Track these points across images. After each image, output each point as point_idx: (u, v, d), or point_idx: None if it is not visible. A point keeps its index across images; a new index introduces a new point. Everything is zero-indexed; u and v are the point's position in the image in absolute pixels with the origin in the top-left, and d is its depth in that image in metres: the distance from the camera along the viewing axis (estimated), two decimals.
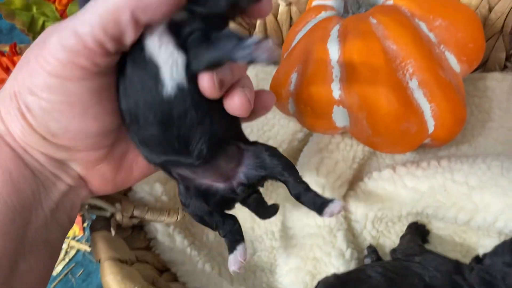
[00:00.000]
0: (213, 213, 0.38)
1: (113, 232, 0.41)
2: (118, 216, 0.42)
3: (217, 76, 0.31)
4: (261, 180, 0.39)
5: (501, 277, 0.37)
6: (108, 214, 0.42)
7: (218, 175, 0.37)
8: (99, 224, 0.42)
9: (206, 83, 0.31)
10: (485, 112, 0.55)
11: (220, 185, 0.38)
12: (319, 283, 0.38)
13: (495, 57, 0.57)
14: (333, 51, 0.46)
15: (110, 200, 0.43)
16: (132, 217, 0.43)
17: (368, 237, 0.50)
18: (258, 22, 0.62)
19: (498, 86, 0.55)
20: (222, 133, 0.34)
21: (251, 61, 0.28)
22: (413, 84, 0.44)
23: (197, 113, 0.32)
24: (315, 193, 0.38)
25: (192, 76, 0.31)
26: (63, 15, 0.79)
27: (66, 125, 0.32)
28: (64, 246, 0.60)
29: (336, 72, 0.45)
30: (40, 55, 0.30)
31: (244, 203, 0.40)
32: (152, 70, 0.30)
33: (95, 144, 0.35)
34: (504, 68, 0.58)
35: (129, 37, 0.30)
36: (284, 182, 0.38)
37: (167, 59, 0.30)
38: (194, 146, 0.33)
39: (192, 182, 0.37)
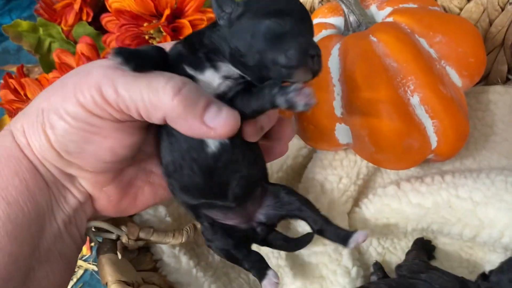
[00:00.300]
0: (238, 247, 0.40)
1: (119, 256, 0.41)
2: (124, 239, 0.43)
3: (259, 122, 0.35)
4: (280, 219, 0.42)
5: None
6: (114, 236, 0.43)
7: (243, 216, 0.40)
8: (105, 247, 0.42)
9: (250, 130, 0.35)
10: (488, 126, 0.55)
11: (242, 225, 0.41)
12: None
13: (497, 70, 0.57)
14: (334, 69, 0.46)
15: (116, 223, 0.43)
16: (138, 239, 0.43)
17: (374, 254, 0.50)
18: None
19: (500, 99, 0.55)
20: (255, 175, 0.38)
21: (291, 107, 0.30)
22: (415, 100, 0.44)
23: (237, 161, 0.36)
24: (337, 226, 0.41)
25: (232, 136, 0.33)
26: (69, 36, 0.80)
27: (83, 148, 0.34)
28: None
29: (337, 90, 0.46)
30: (78, 85, 0.33)
31: (264, 243, 0.43)
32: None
33: (105, 168, 0.37)
34: (506, 81, 0.58)
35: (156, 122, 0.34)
36: (304, 218, 0.41)
37: None
38: (232, 189, 0.37)
39: (218, 222, 0.40)
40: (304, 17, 0.33)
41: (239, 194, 0.37)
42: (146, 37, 0.74)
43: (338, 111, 0.46)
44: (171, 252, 0.47)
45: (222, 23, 0.34)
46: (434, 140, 0.46)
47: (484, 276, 0.40)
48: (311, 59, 0.31)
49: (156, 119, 0.33)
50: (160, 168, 0.39)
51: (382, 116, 0.43)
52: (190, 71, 0.34)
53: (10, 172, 0.34)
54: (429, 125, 0.45)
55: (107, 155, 0.35)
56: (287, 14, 0.32)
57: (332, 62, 0.47)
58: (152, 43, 0.73)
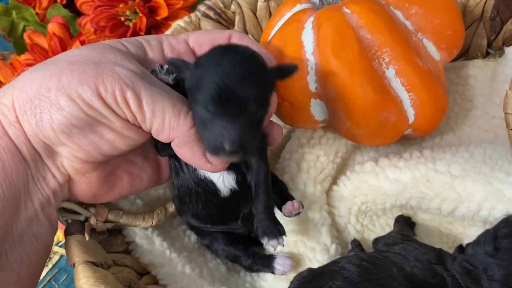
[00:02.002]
0: (240, 248, 0.47)
1: (87, 237, 0.40)
2: (93, 221, 0.42)
3: None
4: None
5: (483, 268, 0.36)
6: (82, 218, 0.41)
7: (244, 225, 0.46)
8: (73, 228, 0.41)
9: None
10: (468, 100, 0.54)
11: (240, 231, 0.48)
12: (294, 278, 0.38)
13: (477, 44, 0.56)
14: (308, 43, 0.45)
15: (84, 204, 0.42)
16: (106, 221, 0.42)
17: (352, 231, 0.49)
18: (237, 18, 0.62)
19: (480, 73, 0.54)
20: None
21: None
22: (390, 73, 0.43)
23: (245, 197, 0.43)
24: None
25: (238, 181, 0.42)
26: (44, 19, 0.78)
27: (85, 135, 0.34)
28: None
29: (311, 64, 0.45)
30: (101, 77, 0.33)
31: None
32: (209, 183, 0.41)
33: (97, 158, 0.37)
34: (486, 55, 0.57)
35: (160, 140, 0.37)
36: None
37: (218, 176, 0.41)
38: (242, 215, 0.44)
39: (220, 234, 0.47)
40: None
41: (247, 217, 0.44)
42: (122, 18, 0.72)
43: (312, 85, 0.45)
44: (144, 234, 0.46)
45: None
46: (411, 114, 0.45)
47: (461, 249, 0.40)
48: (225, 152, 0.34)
49: (163, 137, 0.35)
50: (141, 160, 0.42)
51: (356, 89, 0.42)
52: None
53: None
54: (406, 99, 0.44)
55: (106, 148, 0.36)
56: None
57: (306, 36, 0.45)
58: (128, 25, 0.72)
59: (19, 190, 0.34)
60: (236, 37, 0.42)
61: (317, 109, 0.47)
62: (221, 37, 0.42)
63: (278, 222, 0.41)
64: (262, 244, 0.41)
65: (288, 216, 0.43)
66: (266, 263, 0.46)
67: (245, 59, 0.35)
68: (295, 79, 0.45)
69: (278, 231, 0.40)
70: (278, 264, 0.45)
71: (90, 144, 0.35)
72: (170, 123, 0.34)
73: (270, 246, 0.39)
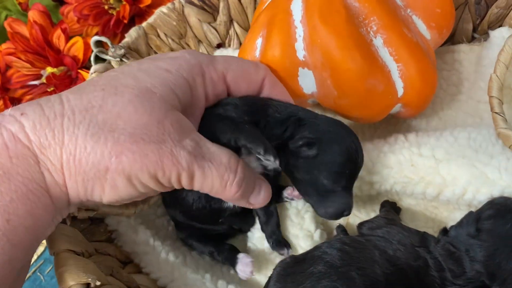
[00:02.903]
0: (213, 244, 0.47)
1: (68, 223, 0.40)
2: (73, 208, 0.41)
3: None
4: None
5: (465, 249, 0.36)
6: None
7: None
8: None
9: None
10: (453, 85, 0.54)
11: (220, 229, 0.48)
12: (276, 265, 0.37)
13: (462, 29, 0.56)
14: (297, 11, 0.45)
15: None
16: (88, 209, 0.42)
17: None
18: (222, 4, 0.61)
19: (465, 58, 0.54)
20: None
21: None
22: (378, 42, 0.43)
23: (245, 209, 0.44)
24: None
25: None
26: (26, 9, 0.77)
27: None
28: None
29: (299, 32, 0.44)
30: (160, 163, 0.33)
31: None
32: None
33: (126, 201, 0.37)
34: (472, 39, 0.56)
35: None
36: None
37: None
38: (228, 219, 0.46)
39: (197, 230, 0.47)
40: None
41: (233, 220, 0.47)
42: (106, 7, 0.71)
43: (300, 53, 0.44)
44: (127, 223, 0.45)
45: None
46: (400, 86, 0.45)
47: (445, 231, 0.40)
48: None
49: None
50: None
51: (342, 53, 0.42)
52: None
53: (25, 210, 0.30)
54: (394, 69, 0.44)
55: (141, 198, 0.37)
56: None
57: (295, 5, 0.45)
58: (112, 13, 0.71)
59: (45, 229, 0.33)
60: (269, 81, 0.44)
61: (305, 81, 0.46)
62: (255, 79, 0.43)
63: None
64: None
65: (287, 200, 0.47)
66: (231, 263, 0.45)
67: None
68: (284, 47, 0.45)
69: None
70: (240, 270, 0.44)
71: (127, 199, 0.35)
72: (216, 192, 0.36)
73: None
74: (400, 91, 0.44)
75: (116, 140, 0.31)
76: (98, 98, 0.33)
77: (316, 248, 0.37)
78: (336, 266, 0.33)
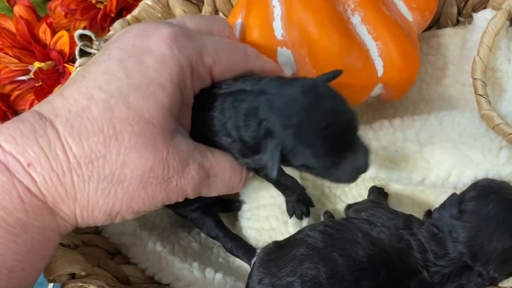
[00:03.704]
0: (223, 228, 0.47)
1: None
2: None
3: None
4: None
5: (448, 230, 0.36)
6: None
7: None
8: None
9: None
10: (439, 69, 0.54)
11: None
12: (260, 251, 0.38)
13: (447, 13, 0.56)
14: None
15: None
16: None
17: (326, 203, 0.49)
18: None
19: (450, 41, 0.54)
20: None
21: None
22: (356, 19, 0.43)
23: None
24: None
25: None
26: (14, 5, 0.77)
27: None
28: None
29: (277, 11, 0.44)
30: (167, 198, 0.35)
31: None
32: None
33: None
34: (457, 23, 0.56)
35: None
36: None
37: None
38: None
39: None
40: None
41: None
42: (93, 1, 0.71)
43: (278, 32, 0.44)
44: None
45: None
46: (379, 65, 0.44)
47: (429, 214, 0.40)
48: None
49: None
50: None
51: (319, 30, 0.42)
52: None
53: (39, 256, 0.33)
54: (373, 47, 0.44)
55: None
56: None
57: None
58: (99, 8, 0.71)
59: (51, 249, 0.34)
60: (251, 51, 0.41)
61: (284, 61, 0.46)
62: (243, 68, 0.40)
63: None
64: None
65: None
66: (246, 256, 0.45)
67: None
68: (262, 26, 0.45)
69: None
70: None
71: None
72: (223, 193, 0.40)
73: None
74: (380, 70, 0.44)
75: (126, 191, 0.33)
76: (99, 145, 0.32)
77: (299, 232, 0.37)
78: (318, 248, 0.33)
